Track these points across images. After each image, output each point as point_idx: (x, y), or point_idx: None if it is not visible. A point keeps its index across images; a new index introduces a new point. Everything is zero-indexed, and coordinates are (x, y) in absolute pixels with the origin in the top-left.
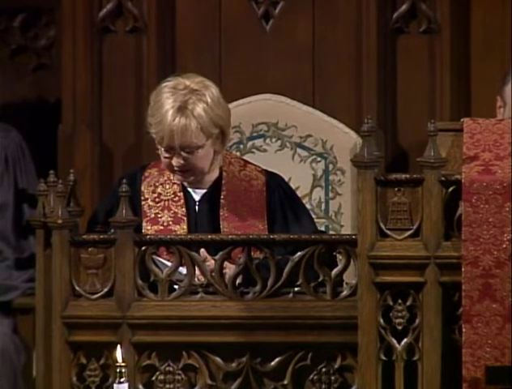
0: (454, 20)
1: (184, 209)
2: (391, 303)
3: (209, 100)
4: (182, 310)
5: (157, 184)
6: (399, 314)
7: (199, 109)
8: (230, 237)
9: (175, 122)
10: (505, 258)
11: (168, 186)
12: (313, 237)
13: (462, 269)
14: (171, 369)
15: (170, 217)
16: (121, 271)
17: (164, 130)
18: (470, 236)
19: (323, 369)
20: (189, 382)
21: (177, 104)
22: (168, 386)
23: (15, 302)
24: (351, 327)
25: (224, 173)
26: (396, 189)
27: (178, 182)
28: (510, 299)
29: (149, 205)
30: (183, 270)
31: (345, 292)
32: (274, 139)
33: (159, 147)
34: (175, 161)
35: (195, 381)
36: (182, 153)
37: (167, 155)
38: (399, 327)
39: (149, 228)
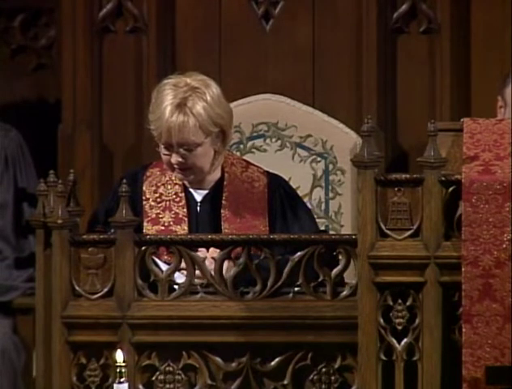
0: (454, 20)
1: (185, 210)
2: (391, 303)
3: (209, 98)
4: (182, 310)
5: (159, 184)
6: (399, 314)
7: (199, 107)
8: (230, 237)
9: (173, 119)
10: (505, 258)
11: (169, 187)
12: (313, 237)
13: (462, 269)
14: (171, 369)
15: (171, 218)
16: (121, 271)
17: (162, 126)
18: (470, 236)
19: (323, 369)
20: (189, 382)
21: (177, 101)
22: (168, 386)
23: (15, 302)
24: (351, 327)
25: (226, 174)
26: (396, 189)
27: (180, 183)
28: (510, 299)
29: (150, 205)
30: (178, 278)
31: (345, 292)
32: (274, 139)
33: (159, 144)
34: (174, 159)
35: (195, 381)
36: (181, 150)
37: (166, 152)
38: (399, 327)
39: (150, 228)
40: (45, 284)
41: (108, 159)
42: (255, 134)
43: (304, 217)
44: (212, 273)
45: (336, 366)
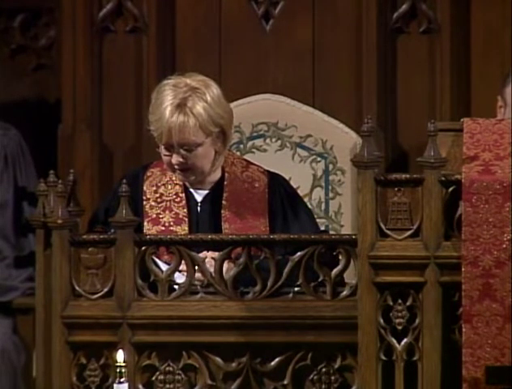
0: (454, 20)
1: (185, 210)
2: (391, 303)
3: (209, 98)
4: (182, 310)
5: (159, 184)
6: (399, 314)
7: (199, 107)
8: (230, 237)
9: (173, 119)
10: (505, 258)
11: (170, 187)
12: (313, 237)
13: (462, 269)
14: (171, 369)
15: (171, 218)
16: (121, 271)
17: (162, 126)
18: (470, 236)
19: (323, 369)
20: (189, 382)
21: (177, 101)
22: (168, 386)
23: (15, 302)
24: (351, 327)
25: (227, 174)
26: (396, 189)
27: (180, 183)
28: (510, 299)
29: (151, 205)
30: (178, 278)
31: (345, 292)
32: (274, 139)
33: (159, 144)
34: (174, 159)
35: (195, 381)
36: (181, 151)
37: (166, 153)
38: (399, 327)
39: (150, 228)
40: (45, 284)
41: (108, 159)
42: (255, 134)
43: (304, 217)
44: (212, 273)
45: (336, 366)
